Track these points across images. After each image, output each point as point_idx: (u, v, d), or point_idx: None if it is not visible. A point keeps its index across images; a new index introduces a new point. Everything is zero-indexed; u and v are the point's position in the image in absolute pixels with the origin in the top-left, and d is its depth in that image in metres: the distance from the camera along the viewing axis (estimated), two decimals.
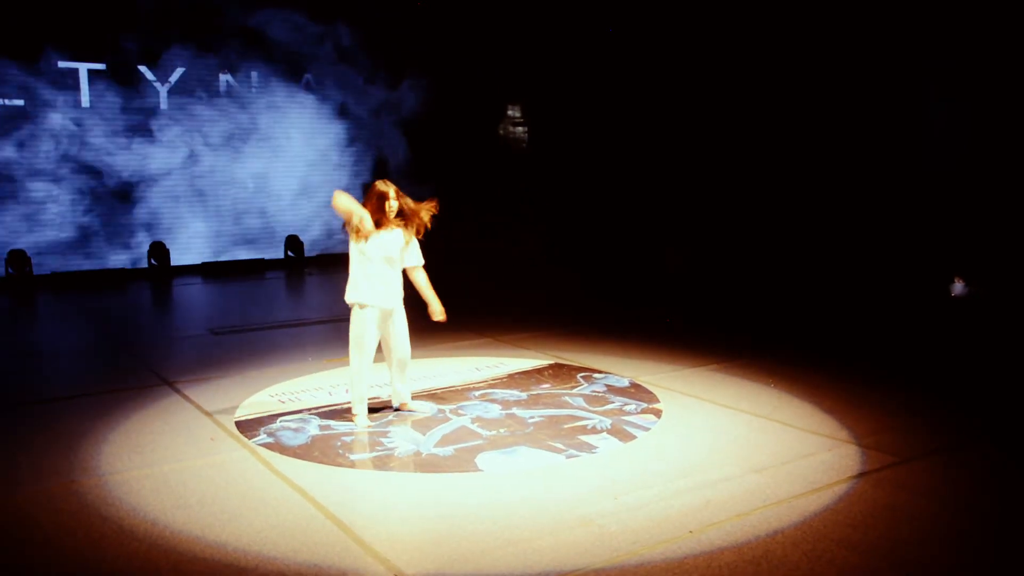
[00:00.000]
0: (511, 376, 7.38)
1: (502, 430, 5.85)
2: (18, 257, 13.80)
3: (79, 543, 4.15)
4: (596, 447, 5.50)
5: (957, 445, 5.59)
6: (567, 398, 6.65)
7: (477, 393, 6.83)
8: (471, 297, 11.54)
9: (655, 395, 6.73)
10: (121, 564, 3.93)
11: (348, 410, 6.16)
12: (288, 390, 7.00)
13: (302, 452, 5.44)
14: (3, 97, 13.98)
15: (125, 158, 15.14)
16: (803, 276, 13.40)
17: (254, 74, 16.42)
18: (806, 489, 4.74)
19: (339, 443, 5.61)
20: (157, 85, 15.43)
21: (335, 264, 16.24)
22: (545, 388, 6.97)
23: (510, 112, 19.41)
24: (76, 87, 14.59)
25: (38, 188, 14.36)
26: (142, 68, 15.30)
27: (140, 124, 15.29)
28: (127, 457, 5.39)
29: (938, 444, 5.57)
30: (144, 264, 15.16)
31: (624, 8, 17.19)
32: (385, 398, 6.58)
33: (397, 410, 6.28)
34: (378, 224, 5.83)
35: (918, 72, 13.10)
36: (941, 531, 4.25)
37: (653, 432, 5.82)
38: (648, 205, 17.14)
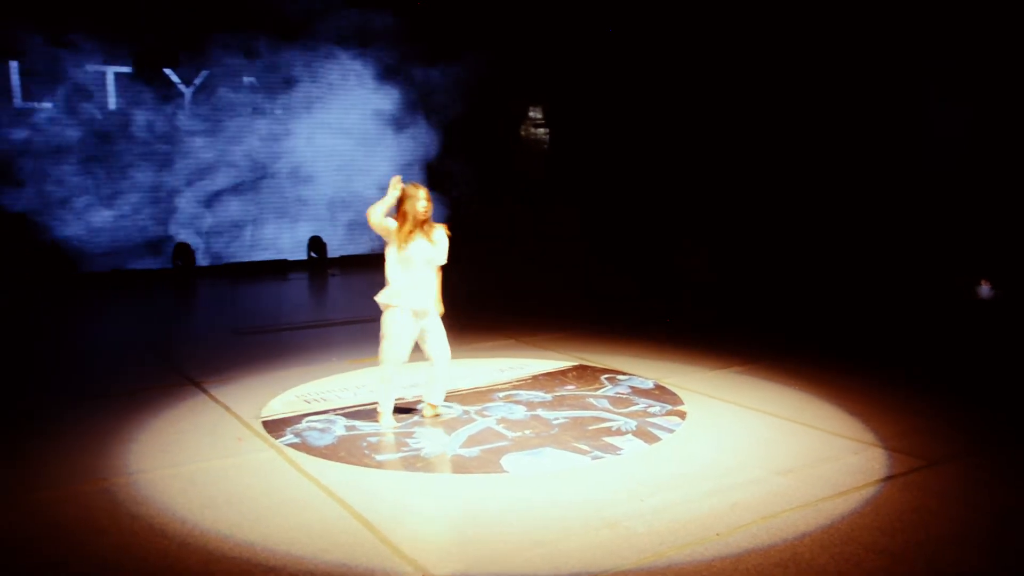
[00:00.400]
0: (535, 377, 7.39)
1: (527, 431, 5.86)
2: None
3: (112, 541, 4.20)
4: (621, 449, 5.50)
5: (985, 448, 5.55)
6: (591, 400, 6.66)
7: (502, 394, 6.84)
8: (495, 299, 11.57)
9: (679, 397, 6.72)
10: (153, 562, 3.98)
11: (374, 411, 6.19)
12: (314, 390, 7.05)
13: (328, 452, 5.48)
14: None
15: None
16: (823, 276, 13.34)
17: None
18: (833, 492, 4.73)
19: (365, 443, 5.64)
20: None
21: (358, 265, 16.31)
22: (569, 390, 6.97)
23: (531, 113, 19.44)
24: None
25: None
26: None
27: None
28: (156, 456, 5.45)
29: (966, 447, 5.54)
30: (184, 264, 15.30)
31: (643, 11, 17.22)
32: (411, 399, 6.61)
33: (422, 412, 6.31)
34: (415, 228, 5.89)
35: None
36: (971, 536, 4.23)
37: (678, 434, 5.81)
38: (667, 206, 17.15)
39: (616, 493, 4.76)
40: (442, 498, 4.79)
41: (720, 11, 15.84)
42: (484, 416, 6.23)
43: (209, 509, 4.58)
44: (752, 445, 5.60)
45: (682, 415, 6.24)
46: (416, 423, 6.09)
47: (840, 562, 3.90)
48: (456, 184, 17.54)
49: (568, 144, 19.24)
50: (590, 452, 5.43)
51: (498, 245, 17.52)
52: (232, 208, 15.99)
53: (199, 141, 15.57)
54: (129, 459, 5.39)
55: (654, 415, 6.23)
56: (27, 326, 10.61)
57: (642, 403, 6.55)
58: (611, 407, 6.44)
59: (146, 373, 7.78)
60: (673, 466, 5.21)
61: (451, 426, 6.00)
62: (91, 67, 14.47)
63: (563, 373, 7.54)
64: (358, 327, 9.63)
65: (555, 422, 6.07)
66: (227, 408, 6.53)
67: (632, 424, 6.00)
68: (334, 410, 6.44)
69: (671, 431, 5.87)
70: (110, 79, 14.72)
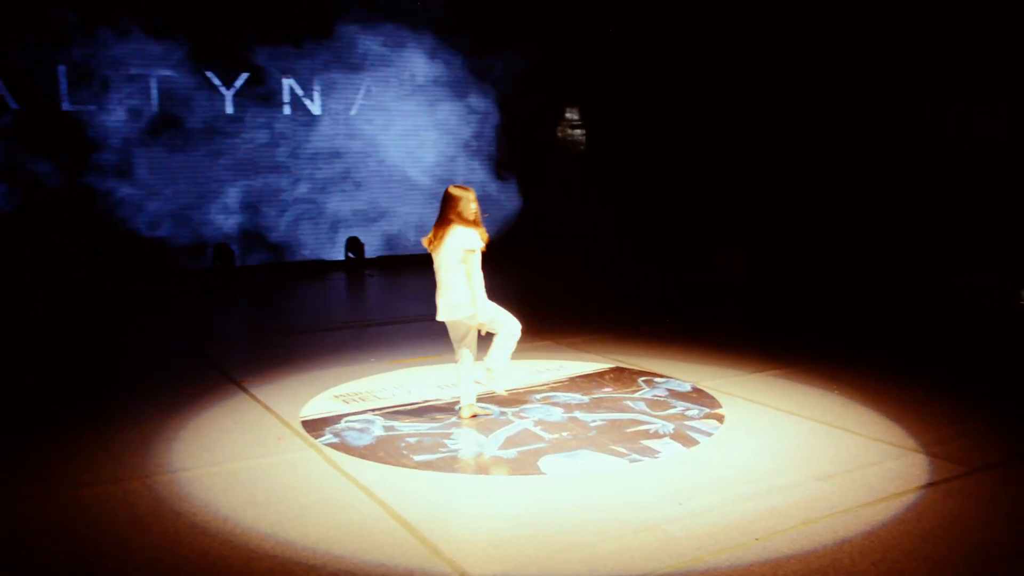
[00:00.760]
0: (572, 379, 7.39)
1: (565, 433, 5.87)
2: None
3: (155, 538, 4.27)
4: (659, 452, 5.49)
5: None
6: (629, 402, 6.65)
7: (539, 396, 6.85)
8: (533, 300, 11.57)
9: (717, 400, 6.69)
10: (196, 559, 4.04)
11: (412, 411, 6.32)
12: (352, 390, 7.11)
13: (367, 452, 5.53)
14: None
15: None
16: (854, 277, 13.22)
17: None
18: (873, 498, 4.68)
19: (403, 444, 5.68)
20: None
21: (394, 266, 16.39)
22: (607, 392, 6.97)
23: (568, 115, 19.43)
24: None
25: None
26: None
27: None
28: (198, 454, 5.53)
29: (1009, 454, 5.46)
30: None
31: (677, 15, 17.24)
32: (449, 400, 6.65)
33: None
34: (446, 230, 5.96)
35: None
36: (1015, 544, 4.17)
37: (716, 437, 5.79)
38: (703, 208, 17.12)
39: (654, 496, 4.76)
40: (480, 499, 4.81)
41: (752, 18, 15.89)
42: (522, 418, 6.24)
43: (250, 507, 4.64)
44: (791, 449, 5.56)
45: (720, 418, 6.21)
46: (453, 424, 6.12)
47: (882, 569, 3.86)
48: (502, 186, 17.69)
49: (604, 145, 19.21)
50: (628, 455, 5.43)
51: (535, 246, 17.53)
52: (273, 208, 16.17)
53: (237, 140, 15.77)
54: (172, 457, 5.48)
55: (692, 418, 6.21)
56: (68, 322, 10.81)
57: (680, 406, 6.53)
58: (648, 410, 6.43)
59: (188, 371, 7.89)
60: (711, 470, 5.19)
61: (488, 427, 6.02)
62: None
63: (600, 375, 7.54)
64: (396, 328, 9.69)
65: (592, 424, 6.07)
66: (267, 407, 6.61)
67: (670, 427, 5.99)
68: (372, 410, 6.49)
69: (709, 434, 5.84)
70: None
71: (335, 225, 16.85)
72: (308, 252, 16.57)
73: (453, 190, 5.93)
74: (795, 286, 13.22)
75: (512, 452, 5.50)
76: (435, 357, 8.17)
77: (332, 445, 5.68)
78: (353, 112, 16.86)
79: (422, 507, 4.65)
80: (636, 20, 18.01)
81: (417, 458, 5.43)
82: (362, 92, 16.93)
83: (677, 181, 17.76)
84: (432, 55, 17.00)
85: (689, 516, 4.46)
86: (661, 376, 7.47)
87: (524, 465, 5.27)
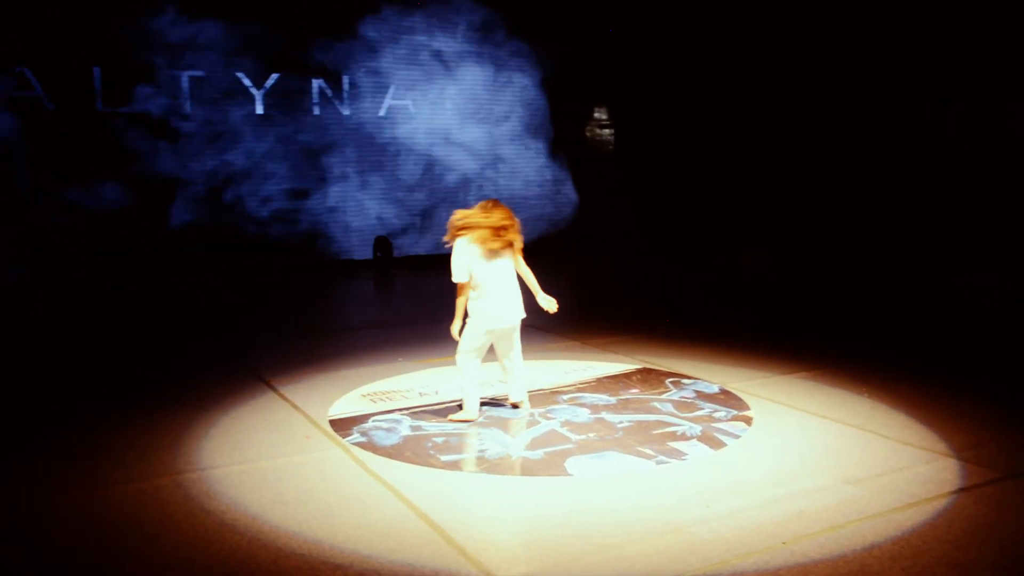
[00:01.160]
0: (599, 380, 7.38)
1: (591, 434, 5.86)
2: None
3: (185, 535, 4.31)
4: (686, 454, 5.47)
5: None
6: (656, 403, 6.63)
7: (566, 397, 6.85)
8: (559, 300, 11.55)
9: (745, 402, 6.66)
10: (224, 556, 4.08)
11: (438, 412, 6.37)
12: (379, 390, 7.14)
13: (394, 452, 5.55)
14: None
15: None
16: (864, 279, 13.12)
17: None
18: (903, 503, 4.64)
19: (430, 444, 5.70)
20: None
21: (422, 266, 16.43)
22: (634, 393, 6.95)
23: (596, 114, 19.40)
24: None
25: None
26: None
27: None
28: (227, 452, 5.57)
29: None
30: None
31: (704, 15, 17.22)
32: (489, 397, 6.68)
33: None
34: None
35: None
36: None
37: (744, 440, 5.76)
38: (729, 208, 17.07)
39: (681, 498, 4.74)
40: (506, 500, 4.82)
41: (767, 22, 15.91)
42: (548, 418, 6.25)
43: (279, 505, 4.68)
44: (819, 452, 5.52)
45: (748, 420, 6.18)
46: (480, 424, 6.14)
47: (911, 575, 3.83)
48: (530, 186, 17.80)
49: (632, 145, 19.18)
50: (655, 456, 5.41)
51: (562, 245, 17.52)
52: (304, 207, 16.31)
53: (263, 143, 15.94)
54: (201, 455, 5.53)
55: (719, 420, 6.18)
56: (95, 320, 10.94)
57: (707, 408, 6.50)
58: (676, 411, 6.41)
59: (216, 370, 7.96)
60: (739, 472, 5.16)
61: (515, 428, 6.03)
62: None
63: (627, 376, 7.52)
64: (424, 328, 9.72)
65: (619, 425, 6.06)
66: (295, 406, 6.65)
67: (697, 429, 5.96)
68: (399, 410, 6.52)
69: (737, 436, 5.81)
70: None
71: (365, 224, 16.93)
72: (335, 250, 16.67)
73: (490, 204, 6.07)
74: (815, 285, 13.12)
75: (539, 453, 5.50)
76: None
77: (359, 444, 5.71)
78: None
79: (448, 507, 4.67)
80: (659, 23, 18.02)
81: (444, 458, 5.45)
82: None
83: (699, 181, 17.76)
84: (476, 55, 17.16)
85: (716, 519, 4.44)
86: (689, 377, 7.44)
87: (551, 466, 5.27)
